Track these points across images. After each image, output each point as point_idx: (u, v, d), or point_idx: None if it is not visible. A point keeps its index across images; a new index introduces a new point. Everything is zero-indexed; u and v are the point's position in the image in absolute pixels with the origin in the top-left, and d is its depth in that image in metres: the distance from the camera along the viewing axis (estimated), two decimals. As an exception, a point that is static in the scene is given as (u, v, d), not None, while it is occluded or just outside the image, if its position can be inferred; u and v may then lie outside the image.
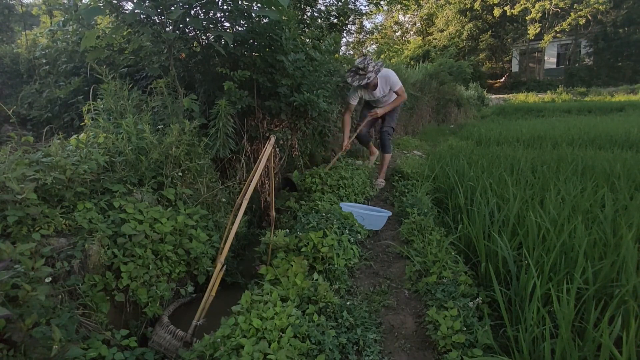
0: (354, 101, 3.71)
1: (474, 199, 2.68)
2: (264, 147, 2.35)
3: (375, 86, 3.63)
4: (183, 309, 2.03)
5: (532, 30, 23.27)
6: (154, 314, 1.86)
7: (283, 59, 2.99)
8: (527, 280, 1.66)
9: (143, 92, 2.98)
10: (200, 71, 3.29)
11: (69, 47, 4.02)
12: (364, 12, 6.86)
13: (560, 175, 3.26)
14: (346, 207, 2.75)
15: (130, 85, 2.77)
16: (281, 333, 1.44)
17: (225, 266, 1.86)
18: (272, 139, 2.21)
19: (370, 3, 7.13)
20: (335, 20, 5.17)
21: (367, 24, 13.53)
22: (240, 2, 2.87)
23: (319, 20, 4.89)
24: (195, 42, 3.28)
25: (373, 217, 2.75)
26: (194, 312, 1.77)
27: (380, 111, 3.79)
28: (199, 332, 1.69)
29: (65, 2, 4.20)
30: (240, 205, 1.93)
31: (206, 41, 3.21)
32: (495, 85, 25.43)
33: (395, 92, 3.77)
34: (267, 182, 3.17)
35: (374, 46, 13.18)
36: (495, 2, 24.04)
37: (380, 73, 3.57)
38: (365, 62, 3.44)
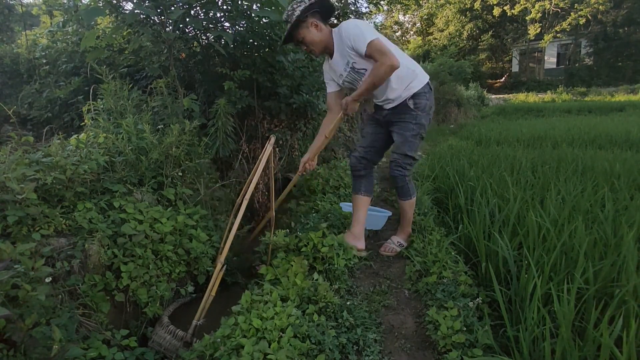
0: (331, 89, 2.19)
1: (474, 199, 2.68)
2: (263, 147, 2.35)
3: (330, 52, 2.06)
4: (183, 309, 2.03)
5: (532, 30, 23.27)
6: (154, 314, 1.86)
7: (282, 60, 2.99)
8: (527, 280, 1.66)
9: (143, 92, 2.98)
10: (200, 71, 3.30)
11: (69, 47, 4.03)
12: (364, 12, 6.87)
13: (560, 175, 3.26)
14: (346, 207, 2.74)
15: (130, 85, 2.77)
16: (281, 333, 1.44)
17: (225, 266, 1.86)
18: (272, 139, 2.21)
19: (370, 3, 7.15)
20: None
21: (367, 24, 13.53)
22: (240, 2, 2.87)
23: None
24: (195, 42, 3.28)
25: (373, 217, 2.74)
26: (194, 312, 1.77)
27: (350, 105, 2.05)
28: (199, 332, 1.69)
29: (65, 2, 4.20)
30: (240, 205, 1.93)
31: (206, 41, 3.22)
32: (495, 85, 25.42)
33: (368, 56, 1.89)
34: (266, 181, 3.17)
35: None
36: (495, 2, 24.04)
37: (336, 30, 2.00)
38: (290, 9, 1.94)
